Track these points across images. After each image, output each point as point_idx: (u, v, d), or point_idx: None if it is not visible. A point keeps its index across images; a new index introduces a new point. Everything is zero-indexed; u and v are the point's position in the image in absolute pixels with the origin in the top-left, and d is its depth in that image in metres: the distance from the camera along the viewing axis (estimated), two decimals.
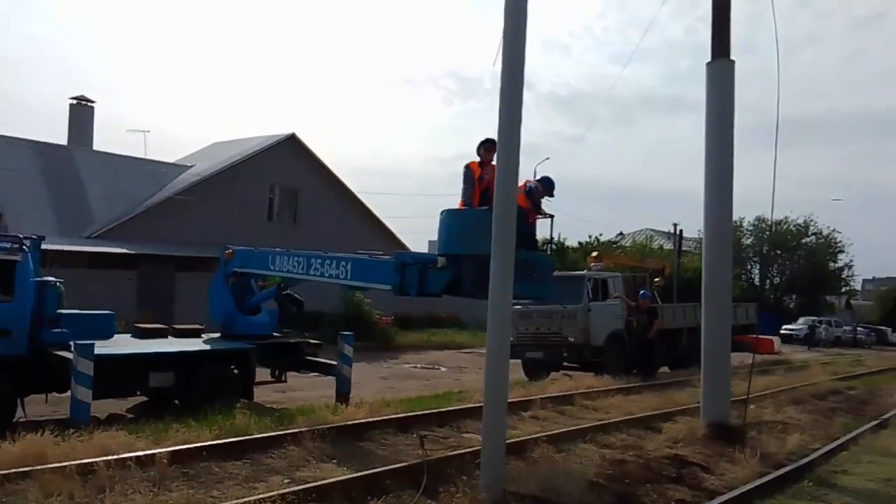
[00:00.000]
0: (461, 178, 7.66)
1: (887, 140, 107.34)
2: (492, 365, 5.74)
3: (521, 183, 6.89)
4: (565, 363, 15.85)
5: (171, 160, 28.34)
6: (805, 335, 37.08)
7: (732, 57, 9.37)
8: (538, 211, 8.09)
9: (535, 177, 7.98)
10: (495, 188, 5.92)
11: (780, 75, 8.63)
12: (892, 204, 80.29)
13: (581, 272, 17.30)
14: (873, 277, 76.23)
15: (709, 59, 9.50)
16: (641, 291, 16.50)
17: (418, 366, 18.20)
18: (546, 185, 8.11)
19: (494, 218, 5.82)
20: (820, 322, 41.23)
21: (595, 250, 28.77)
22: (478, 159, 7.64)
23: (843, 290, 55.90)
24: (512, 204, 5.88)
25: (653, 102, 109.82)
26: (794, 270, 52.44)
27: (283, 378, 11.27)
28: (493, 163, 7.35)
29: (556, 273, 18.12)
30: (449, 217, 7.45)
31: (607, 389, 12.01)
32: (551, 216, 7.94)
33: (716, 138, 9.38)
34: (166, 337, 10.49)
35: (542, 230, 7.99)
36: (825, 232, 52.67)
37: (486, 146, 7.46)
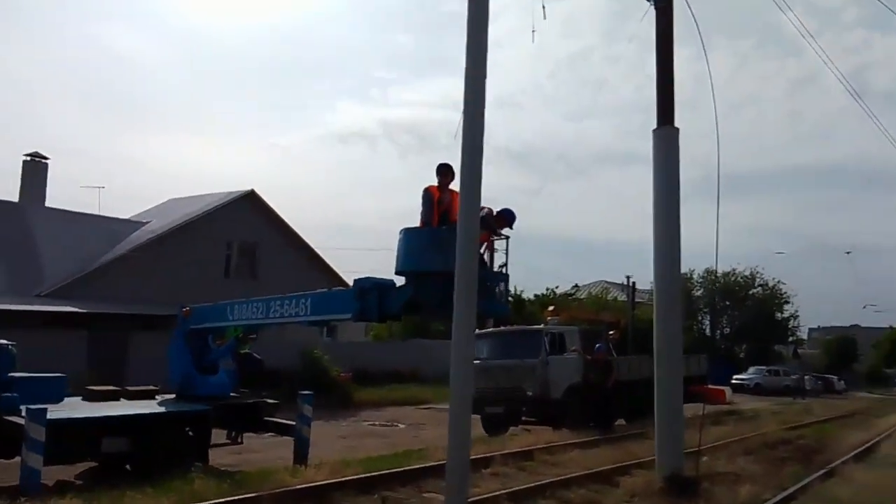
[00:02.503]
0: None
1: (824, 192, 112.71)
2: (456, 394, 5.86)
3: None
4: (524, 417, 15.95)
5: (126, 216, 28.02)
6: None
7: (679, 117, 9.99)
8: (490, 230, 7.98)
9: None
10: (458, 236, 6.13)
11: (719, 144, 9.18)
12: (832, 254, 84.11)
13: (538, 326, 17.59)
14: (818, 326, 78.88)
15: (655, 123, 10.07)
16: (597, 345, 16.84)
17: (377, 423, 18.02)
18: (505, 217, 7.99)
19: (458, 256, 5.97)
20: (778, 372, 42.62)
21: (552, 303, 29.18)
22: (436, 183, 7.85)
23: (791, 339, 57.51)
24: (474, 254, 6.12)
25: (606, 157, 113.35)
26: (743, 321, 53.83)
27: (239, 440, 11.09)
28: (451, 187, 7.66)
29: (514, 327, 18.63)
30: (408, 235, 7.58)
31: (566, 444, 12.13)
32: (506, 237, 7.96)
33: (663, 199, 9.90)
34: (118, 399, 10.25)
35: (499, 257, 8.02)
36: (771, 283, 54.50)
37: (442, 171, 7.74)
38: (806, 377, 44.40)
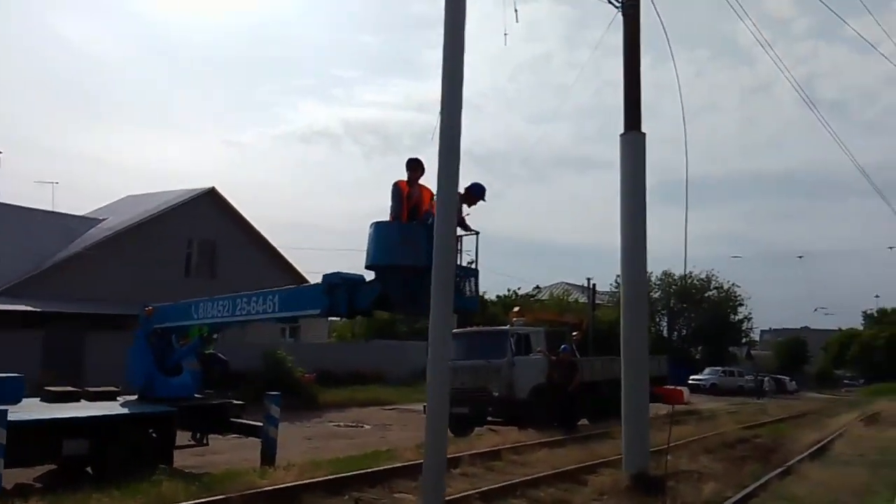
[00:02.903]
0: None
1: (777, 200, 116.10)
2: (433, 391, 5.88)
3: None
4: (490, 418, 16.04)
5: (81, 213, 27.29)
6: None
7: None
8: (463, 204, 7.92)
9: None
10: (434, 238, 6.14)
11: (687, 149, 9.38)
12: (784, 259, 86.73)
13: (504, 327, 17.71)
14: (770, 328, 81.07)
15: (620, 128, 10.24)
16: (562, 346, 17.03)
17: (342, 424, 17.91)
18: (474, 192, 7.98)
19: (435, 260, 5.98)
20: (733, 373, 43.89)
21: (515, 304, 29.38)
22: (405, 178, 7.87)
23: (744, 340, 59.07)
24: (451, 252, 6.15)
25: (565, 161, 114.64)
26: (699, 323, 55.07)
27: (204, 441, 10.89)
28: (420, 182, 7.71)
29: (480, 328, 18.71)
30: (378, 229, 7.56)
31: (533, 444, 12.25)
32: (476, 232, 7.88)
33: (629, 202, 10.06)
34: (79, 400, 9.97)
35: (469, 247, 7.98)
36: (726, 286, 55.91)
37: (411, 165, 7.79)
38: (765, 378, 45.71)
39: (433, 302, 5.94)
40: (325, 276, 8.17)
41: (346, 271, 8.07)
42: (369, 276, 7.85)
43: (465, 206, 7.74)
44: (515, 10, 9.16)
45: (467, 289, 7.77)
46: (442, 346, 5.92)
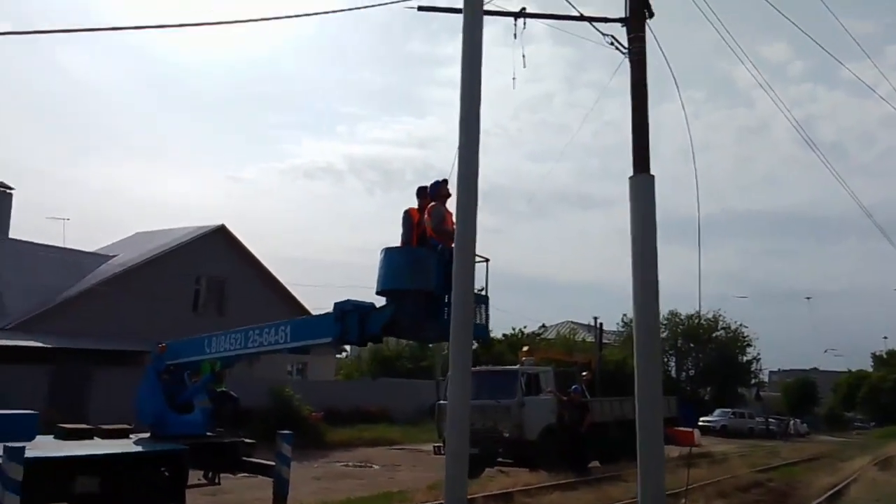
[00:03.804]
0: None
1: (776, 239, 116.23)
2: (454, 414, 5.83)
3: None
4: (500, 459, 15.87)
5: (91, 249, 27.50)
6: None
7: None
8: (435, 197, 8.00)
9: None
10: (454, 271, 6.21)
11: (698, 189, 9.49)
12: (790, 300, 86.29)
13: (515, 367, 17.63)
14: (779, 369, 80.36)
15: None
16: (573, 386, 16.94)
17: (350, 464, 17.74)
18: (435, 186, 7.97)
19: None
20: (744, 415, 43.39)
21: (522, 343, 29.30)
22: (416, 205, 7.97)
23: (753, 382, 58.43)
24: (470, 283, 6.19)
25: (567, 199, 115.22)
26: (707, 363, 54.57)
27: (216, 480, 10.81)
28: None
29: (490, 367, 18.64)
30: (389, 254, 7.62)
31: (545, 486, 12.12)
32: (487, 259, 7.82)
33: (640, 243, 10.13)
34: (92, 438, 9.95)
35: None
36: (733, 326, 55.50)
37: (422, 193, 7.92)
38: (779, 420, 45.15)
39: (453, 330, 5.99)
40: (337, 304, 8.21)
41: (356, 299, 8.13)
42: (380, 303, 7.89)
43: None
44: (523, 56, 9.38)
45: (478, 316, 7.81)
46: (462, 380, 5.93)
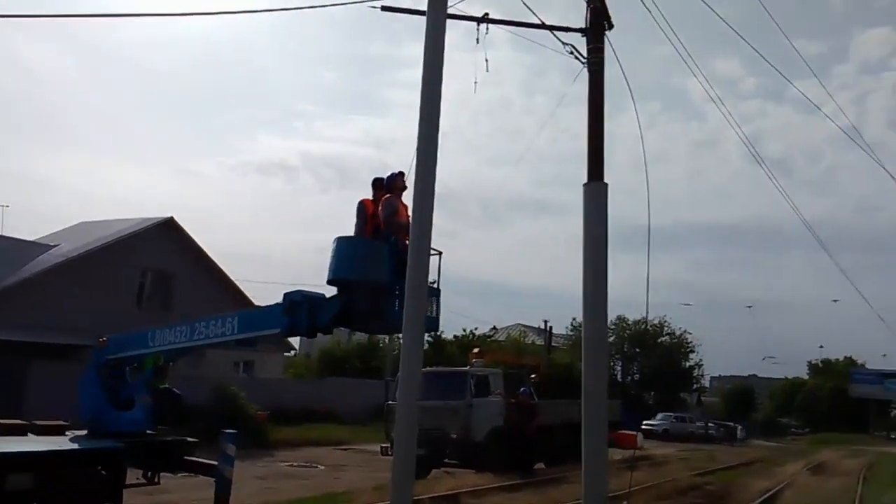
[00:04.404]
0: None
1: (723, 250, 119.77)
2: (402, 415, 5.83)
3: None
4: (447, 460, 15.91)
5: (32, 238, 26.50)
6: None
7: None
8: (389, 189, 8.02)
9: None
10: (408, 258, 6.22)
11: (650, 198, 9.70)
12: (733, 308, 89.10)
13: (464, 368, 17.69)
14: (719, 375, 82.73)
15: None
16: (521, 388, 17.09)
17: (295, 464, 17.52)
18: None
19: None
20: (685, 419, 44.40)
21: (472, 345, 29.43)
22: (370, 196, 7.94)
23: (695, 387, 60.00)
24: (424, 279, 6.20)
25: (521, 204, 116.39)
26: (652, 368, 55.80)
27: (156, 480, 10.52)
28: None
29: (439, 368, 18.66)
30: (342, 243, 7.53)
31: (491, 487, 12.20)
32: (440, 252, 7.78)
33: (592, 250, 10.31)
34: (26, 434, 9.58)
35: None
36: (678, 332, 56.93)
37: (377, 185, 7.89)
38: (717, 425, 46.43)
39: (405, 322, 6.00)
40: (286, 294, 8.04)
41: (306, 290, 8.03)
42: (330, 294, 7.79)
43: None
44: (486, 61, 9.42)
45: (430, 309, 7.80)
46: (411, 379, 5.92)
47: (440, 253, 7.79)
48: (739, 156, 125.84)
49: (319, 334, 8.34)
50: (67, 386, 10.77)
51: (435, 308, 7.98)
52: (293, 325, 7.75)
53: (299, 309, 7.69)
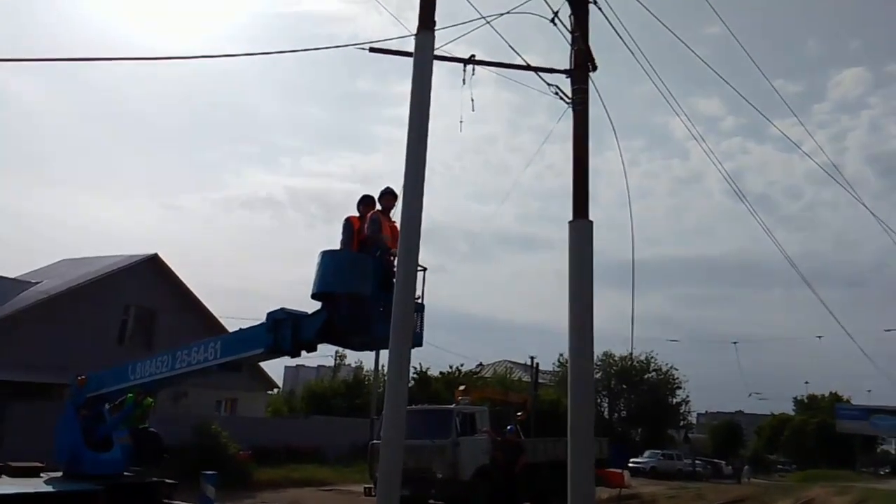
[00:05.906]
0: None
1: (706, 285, 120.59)
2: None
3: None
4: (431, 500, 15.63)
5: (12, 275, 26.14)
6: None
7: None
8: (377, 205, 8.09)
9: None
10: (394, 302, 6.26)
11: (634, 235, 9.77)
12: (718, 344, 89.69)
13: (450, 406, 17.50)
14: (706, 412, 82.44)
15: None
16: (508, 426, 16.91)
17: None
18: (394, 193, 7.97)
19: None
20: (672, 456, 44.04)
21: (459, 382, 29.19)
22: (357, 214, 8.00)
23: (682, 423, 59.69)
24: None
25: (507, 240, 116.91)
26: (638, 404, 55.49)
27: None
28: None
29: (424, 406, 18.44)
30: (326, 256, 7.52)
31: None
32: (424, 269, 7.73)
33: (578, 286, 10.33)
34: (0, 476, 9.35)
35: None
36: (664, 369, 56.78)
37: (364, 202, 7.96)
38: (705, 462, 46.10)
39: (392, 342, 5.98)
40: (269, 313, 8.03)
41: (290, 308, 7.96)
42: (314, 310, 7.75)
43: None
44: (472, 101, 9.55)
45: (415, 324, 7.77)
46: (397, 413, 5.86)
47: (425, 269, 7.83)
48: (721, 192, 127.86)
49: (304, 358, 8.31)
50: (45, 426, 10.53)
51: (419, 323, 7.98)
52: (277, 344, 7.72)
53: (283, 326, 7.68)
